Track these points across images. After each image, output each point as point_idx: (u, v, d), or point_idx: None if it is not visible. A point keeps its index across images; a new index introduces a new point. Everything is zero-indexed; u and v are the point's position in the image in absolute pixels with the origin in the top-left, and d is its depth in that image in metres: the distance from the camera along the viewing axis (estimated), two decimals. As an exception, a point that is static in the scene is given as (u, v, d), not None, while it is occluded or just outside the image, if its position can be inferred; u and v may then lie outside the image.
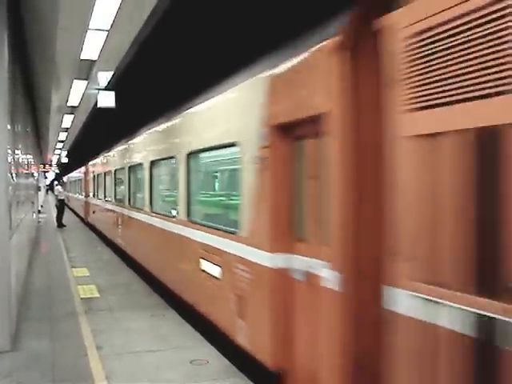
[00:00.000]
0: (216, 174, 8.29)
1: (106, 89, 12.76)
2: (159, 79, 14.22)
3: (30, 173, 15.99)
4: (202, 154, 7.93)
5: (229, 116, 6.49)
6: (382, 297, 3.56)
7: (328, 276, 4.24)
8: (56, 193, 26.35)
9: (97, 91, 13.16)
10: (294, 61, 4.79)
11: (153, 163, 10.62)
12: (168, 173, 10.21)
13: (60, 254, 15.45)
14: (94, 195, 23.03)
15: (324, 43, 4.26)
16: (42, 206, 35.61)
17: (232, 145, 6.19)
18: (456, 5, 2.89)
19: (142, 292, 10.16)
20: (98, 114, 17.05)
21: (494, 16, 2.68)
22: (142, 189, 11.49)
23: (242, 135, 5.90)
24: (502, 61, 2.62)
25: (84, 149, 33.23)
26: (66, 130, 25.22)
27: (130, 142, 13.22)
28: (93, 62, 10.92)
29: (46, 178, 56.58)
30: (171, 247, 9.15)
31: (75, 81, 12.93)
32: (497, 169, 2.68)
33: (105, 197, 18.69)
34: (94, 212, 22.96)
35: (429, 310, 3.08)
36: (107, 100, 12.66)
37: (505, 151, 2.64)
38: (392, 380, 3.40)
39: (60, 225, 24.05)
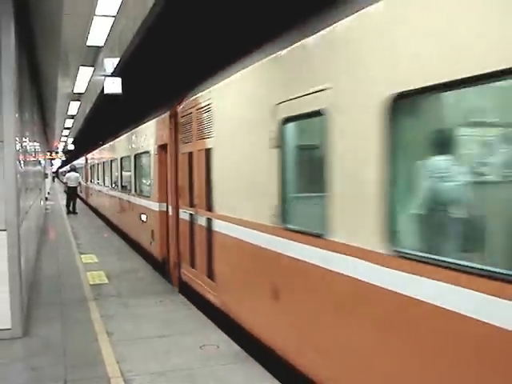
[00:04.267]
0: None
1: (113, 75, 12.71)
2: (166, 65, 14.15)
3: (37, 160, 16.02)
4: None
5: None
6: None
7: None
8: (65, 180, 26.17)
9: (103, 77, 13.12)
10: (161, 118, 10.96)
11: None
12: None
13: (68, 240, 15.53)
14: None
15: (166, 113, 10.24)
16: (48, 193, 35.71)
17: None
18: (192, 107, 8.54)
19: (151, 278, 10.21)
20: (104, 100, 17.00)
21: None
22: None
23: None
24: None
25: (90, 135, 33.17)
26: (73, 116, 25.22)
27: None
28: (99, 48, 10.88)
29: (52, 165, 56.74)
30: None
31: (81, 67, 12.90)
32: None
33: None
34: None
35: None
36: (114, 86, 12.61)
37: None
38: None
39: (69, 211, 24.05)
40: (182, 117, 9.03)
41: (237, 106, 6.68)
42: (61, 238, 16.13)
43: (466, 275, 3.11)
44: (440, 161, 3.77)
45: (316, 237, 4.67)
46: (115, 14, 8.59)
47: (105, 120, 26.03)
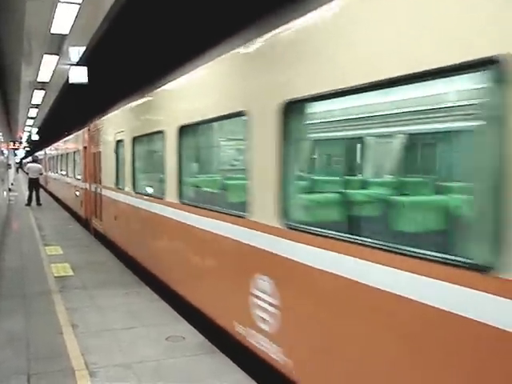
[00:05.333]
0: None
1: (78, 64, 12.50)
2: (133, 53, 13.97)
3: (-1, 150, 15.69)
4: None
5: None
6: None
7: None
8: (26, 170, 25.40)
9: (68, 66, 12.89)
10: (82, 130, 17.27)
11: None
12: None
13: (32, 232, 15.26)
14: None
15: (86, 128, 16.16)
16: (12, 184, 34.96)
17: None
18: (95, 127, 14.50)
19: (116, 270, 10.12)
20: (70, 89, 16.72)
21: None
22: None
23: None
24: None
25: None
26: (37, 106, 24.74)
27: None
28: (64, 36, 10.68)
29: (16, 155, 55.60)
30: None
31: (45, 56, 12.66)
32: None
33: None
34: None
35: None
36: (79, 76, 12.43)
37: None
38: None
39: (29, 203, 23.35)
40: (92, 131, 15.01)
41: (106, 130, 12.91)
42: (24, 230, 15.83)
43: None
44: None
45: (120, 189, 11.08)
46: (81, 1, 8.45)
47: (71, 109, 25.58)
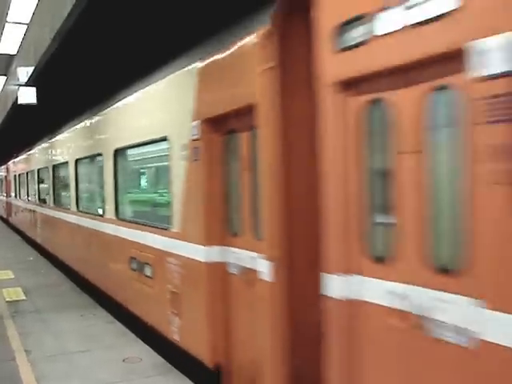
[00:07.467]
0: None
1: (27, 84, 12.29)
2: (84, 74, 13.83)
3: None
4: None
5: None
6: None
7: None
8: None
9: (17, 87, 12.67)
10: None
11: None
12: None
13: (-19, 257, 14.81)
14: None
15: (6, 164, 28.55)
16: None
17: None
18: (10, 164, 26.55)
19: (71, 292, 9.95)
20: (19, 110, 16.40)
21: None
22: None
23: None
24: None
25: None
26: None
27: None
28: (11, 56, 10.52)
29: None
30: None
31: (-7, 76, 12.42)
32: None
33: None
34: None
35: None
36: (28, 96, 12.19)
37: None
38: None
39: None
40: (9, 168, 25.04)
41: (12, 169, 23.98)
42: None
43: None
44: None
45: (16, 198, 23.19)
46: (28, 21, 8.36)
47: (20, 131, 25.02)
